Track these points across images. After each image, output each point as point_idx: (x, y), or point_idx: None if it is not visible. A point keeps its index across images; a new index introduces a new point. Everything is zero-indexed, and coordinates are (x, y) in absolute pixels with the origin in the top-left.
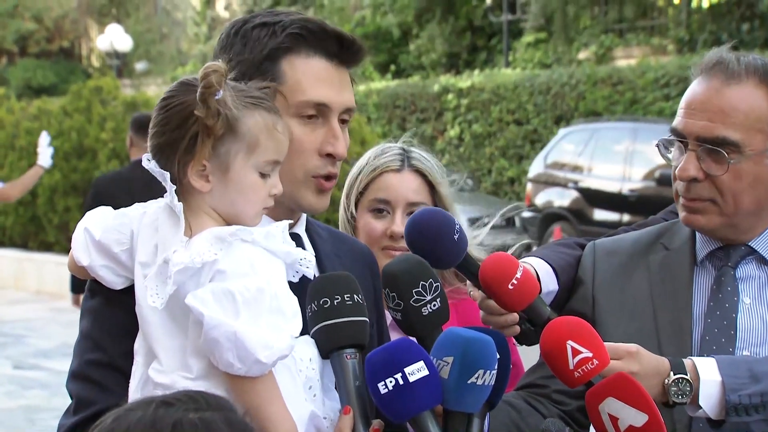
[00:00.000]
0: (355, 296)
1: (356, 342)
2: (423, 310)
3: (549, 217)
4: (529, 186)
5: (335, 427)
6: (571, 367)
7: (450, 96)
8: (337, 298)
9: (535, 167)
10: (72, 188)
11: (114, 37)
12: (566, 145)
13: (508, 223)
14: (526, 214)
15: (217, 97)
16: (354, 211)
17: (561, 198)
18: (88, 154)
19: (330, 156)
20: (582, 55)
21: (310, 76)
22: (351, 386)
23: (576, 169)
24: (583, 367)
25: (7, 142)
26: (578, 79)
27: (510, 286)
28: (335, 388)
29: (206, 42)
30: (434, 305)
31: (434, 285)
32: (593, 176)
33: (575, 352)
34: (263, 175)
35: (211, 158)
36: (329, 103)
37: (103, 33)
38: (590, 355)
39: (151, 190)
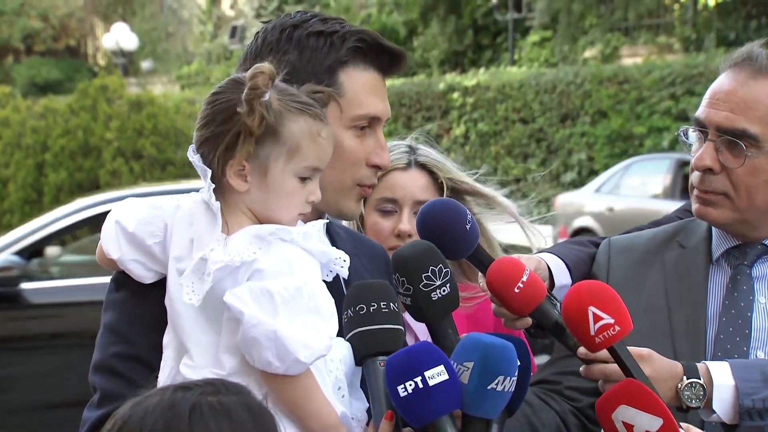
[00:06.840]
0: (391, 304)
1: (390, 349)
2: (432, 295)
3: None
4: None
5: None
6: (593, 333)
7: (455, 94)
8: (374, 306)
9: None
10: (78, 187)
11: (120, 36)
12: None
13: None
14: None
15: (263, 99)
16: (362, 210)
17: None
18: (93, 153)
19: (376, 166)
20: (588, 53)
21: (368, 89)
22: (383, 393)
23: None
24: (605, 333)
25: (13, 141)
26: (584, 77)
27: (516, 290)
28: (368, 393)
29: (212, 40)
30: (444, 290)
31: (444, 270)
32: None
33: (597, 318)
34: (303, 180)
35: (251, 159)
36: (380, 116)
37: (108, 31)
38: (612, 321)
39: None
